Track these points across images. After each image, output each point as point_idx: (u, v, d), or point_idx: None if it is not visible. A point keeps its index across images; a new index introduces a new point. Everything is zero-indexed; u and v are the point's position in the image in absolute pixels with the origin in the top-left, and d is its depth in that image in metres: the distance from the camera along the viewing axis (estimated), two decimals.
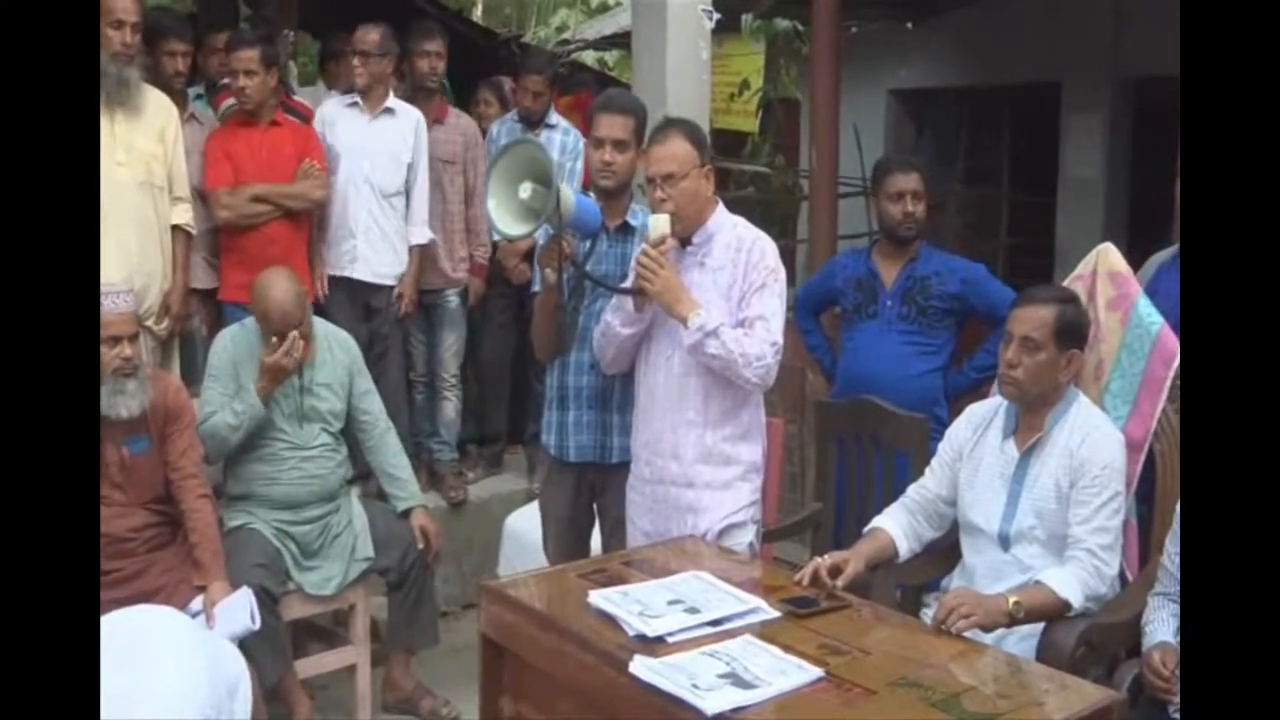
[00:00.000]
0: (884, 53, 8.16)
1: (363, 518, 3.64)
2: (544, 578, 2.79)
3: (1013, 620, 2.49)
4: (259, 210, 4.13)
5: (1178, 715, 2.33)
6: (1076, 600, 2.56)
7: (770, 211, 8.25)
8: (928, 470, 2.96)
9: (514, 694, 2.50)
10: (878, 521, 2.88)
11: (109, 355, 3.05)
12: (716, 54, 5.73)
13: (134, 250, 3.75)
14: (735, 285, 2.95)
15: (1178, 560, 2.51)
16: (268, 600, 3.29)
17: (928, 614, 2.68)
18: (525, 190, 2.88)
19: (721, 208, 3.06)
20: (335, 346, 3.66)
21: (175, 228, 3.95)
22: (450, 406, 4.85)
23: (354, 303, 4.43)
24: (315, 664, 3.66)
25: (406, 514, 3.70)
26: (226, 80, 4.36)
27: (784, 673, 2.07)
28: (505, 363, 5.09)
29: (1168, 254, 3.31)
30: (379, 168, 4.42)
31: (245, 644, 3.22)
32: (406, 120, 4.50)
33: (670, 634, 2.23)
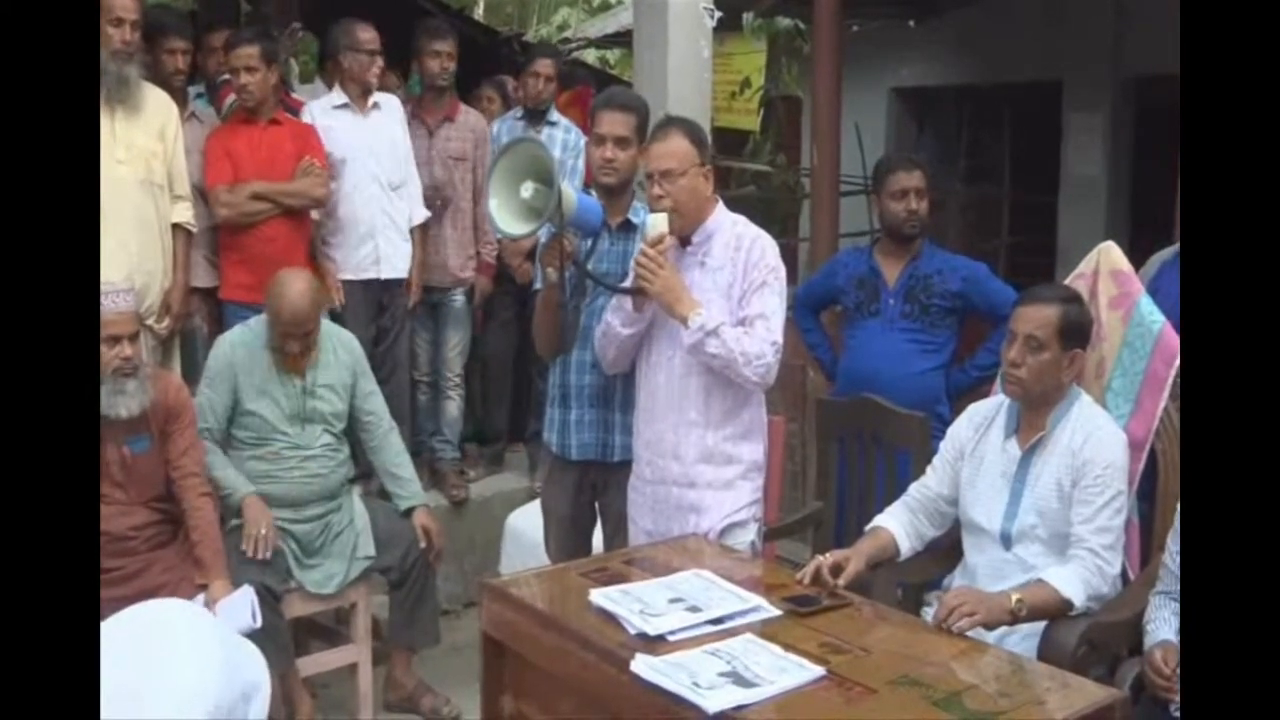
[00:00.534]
0: (885, 51, 8.16)
1: (364, 516, 3.64)
2: (545, 576, 2.79)
3: (1014, 619, 2.49)
4: (259, 208, 4.12)
5: (1179, 714, 2.32)
6: (1078, 599, 2.55)
7: (772, 210, 8.25)
8: (929, 469, 2.95)
9: (515, 692, 2.50)
10: (879, 520, 2.87)
11: (109, 355, 3.05)
12: (718, 52, 5.74)
13: (134, 249, 3.74)
14: (735, 284, 2.95)
15: (1179, 559, 2.50)
16: (269, 598, 3.29)
17: (929, 613, 2.68)
18: (527, 189, 2.88)
19: (721, 207, 3.06)
20: (339, 348, 3.66)
21: (175, 226, 3.94)
22: (453, 406, 4.85)
23: (369, 303, 4.43)
24: (316, 662, 3.66)
25: (408, 513, 3.70)
26: (227, 77, 4.36)
27: (785, 671, 2.07)
28: (508, 361, 5.10)
29: (1169, 252, 3.31)
30: (384, 162, 4.42)
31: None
32: (393, 110, 4.53)
33: (671, 632, 2.23)
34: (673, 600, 2.37)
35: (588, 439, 3.24)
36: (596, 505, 3.35)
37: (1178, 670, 2.34)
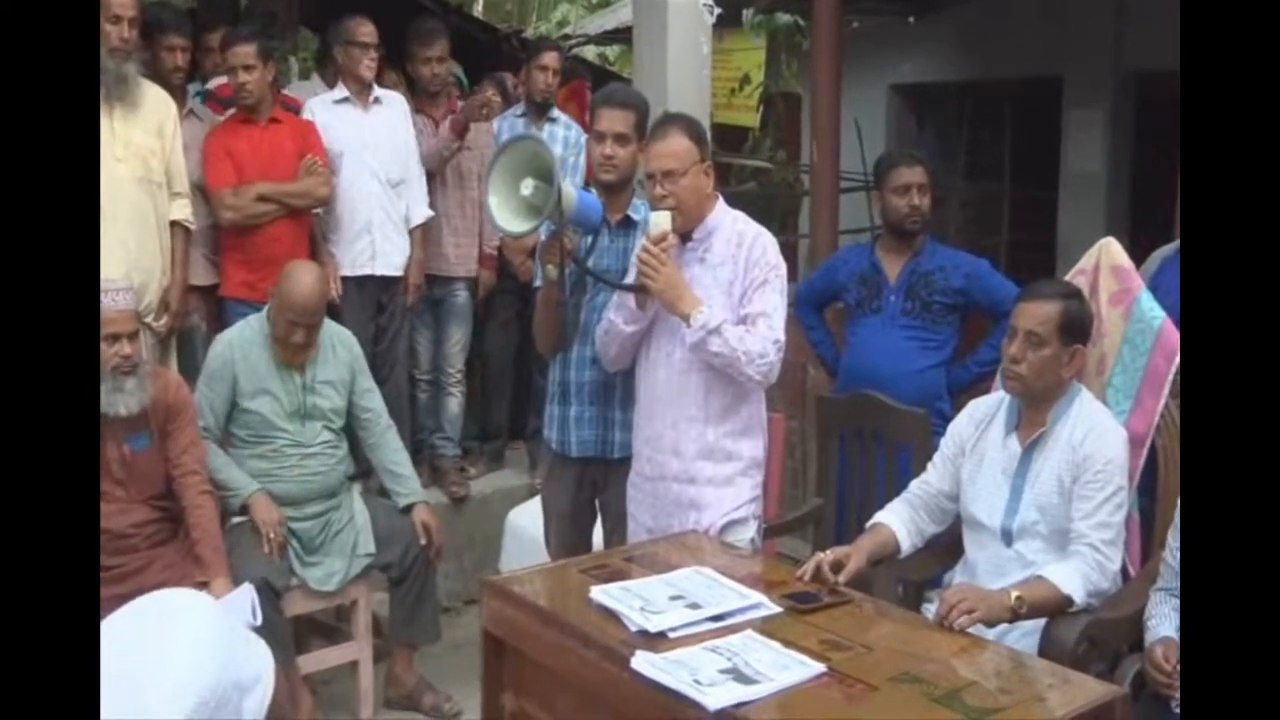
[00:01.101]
0: (885, 48, 8.15)
1: (364, 514, 3.65)
2: (545, 573, 2.79)
3: (1014, 615, 2.49)
4: (264, 210, 4.12)
5: (1180, 711, 2.32)
6: (1079, 595, 2.55)
7: (771, 206, 8.25)
8: (930, 465, 2.95)
9: (516, 689, 2.50)
10: (879, 517, 2.87)
11: (108, 353, 3.05)
12: (717, 49, 5.73)
13: (133, 246, 3.74)
14: (737, 281, 2.95)
15: (1180, 555, 2.50)
16: (270, 596, 3.29)
17: (929, 609, 2.68)
18: (527, 187, 2.87)
19: (722, 203, 3.06)
20: (338, 345, 3.66)
21: (174, 223, 3.94)
22: (454, 402, 4.85)
23: (367, 300, 4.43)
24: (317, 660, 3.67)
25: (408, 510, 3.70)
26: (216, 84, 4.36)
27: (786, 668, 2.07)
28: (508, 358, 5.09)
29: (1170, 249, 3.31)
30: (383, 159, 4.42)
31: None
32: (397, 107, 4.52)
33: (672, 629, 2.23)
34: (673, 597, 2.37)
35: (588, 436, 3.24)
36: (596, 502, 3.35)
37: (1178, 667, 2.34)
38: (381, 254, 4.42)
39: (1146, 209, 7.09)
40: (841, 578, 2.53)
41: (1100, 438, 2.69)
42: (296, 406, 3.54)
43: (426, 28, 4.71)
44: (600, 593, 2.38)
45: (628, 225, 3.20)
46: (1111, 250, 3.03)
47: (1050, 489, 2.71)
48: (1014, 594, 2.49)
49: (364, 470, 3.94)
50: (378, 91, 4.48)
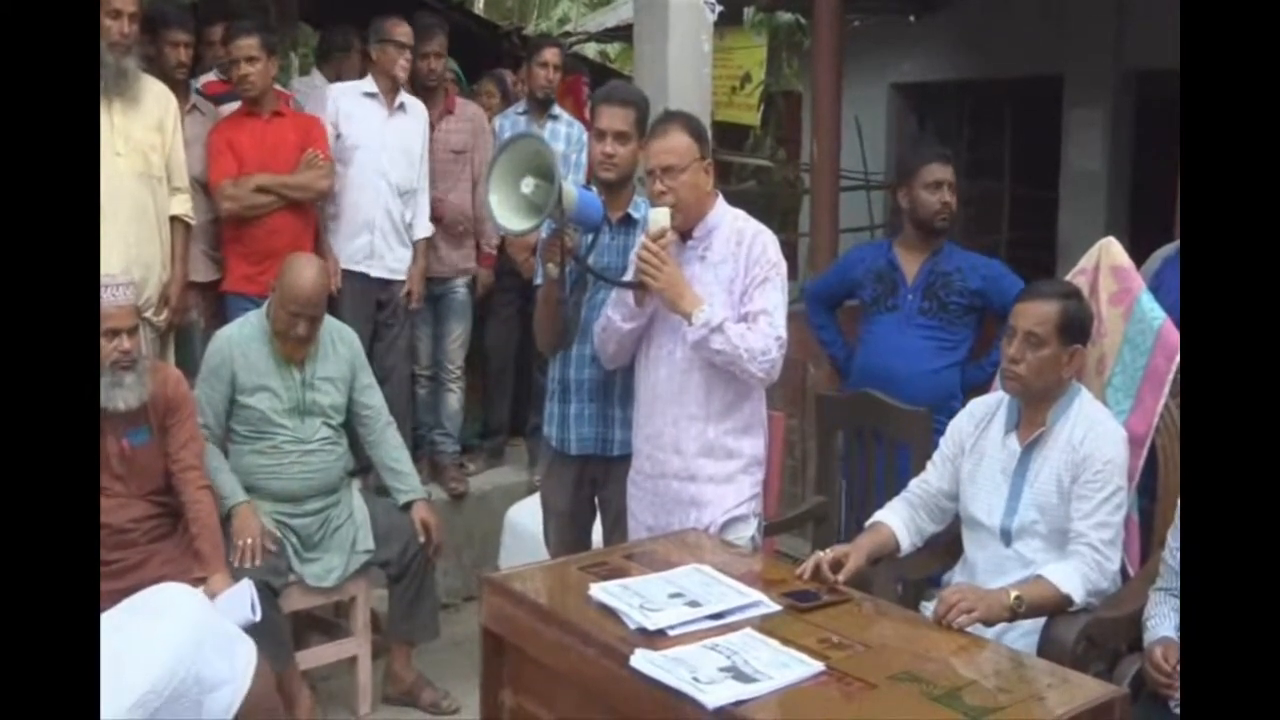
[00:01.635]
0: (886, 46, 8.15)
1: (363, 510, 3.65)
2: (545, 570, 2.79)
3: (1013, 615, 2.49)
4: (263, 201, 4.12)
5: (1179, 711, 2.32)
6: (1078, 595, 2.55)
7: (772, 205, 8.26)
8: (929, 464, 2.95)
9: (515, 687, 2.50)
10: (879, 516, 2.87)
11: (108, 348, 3.05)
12: (718, 47, 5.73)
13: (132, 241, 3.74)
14: (737, 279, 2.95)
15: (1179, 555, 2.50)
16: (268, 592, 3.29)
17: (928, 608, 2.68)
18: (527, 185, 2.87)
19: (722, 201, 3.06)
20: (338, 341, 3.66)
21: (174, 219, 3.94)
22: (454, 399, 4.85)
23: (365, 297, 4.43)
24: (316, 656, 3.66)
25: (407, 507, 3.70)
26: (204, 81, 4.36)
27: (785, 666, 2.07)
28: (509, 355, 5.10)
29: (1171, 249, 3.30)
30: (397, 165, 4.43)
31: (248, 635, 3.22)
32: (418, 116, 4.53)
33: (671, 627, 2.22)
34: (673, 595, 2.37)
35: (587, 433, 3.24)
36: (596, 499, 3.35)
37: (1178, 667, 2.34)
38: (378, 256, 4.42)
39: (1147, 208, 7.08)
40: (841, 576, 2.53)
41: (1100, 437, 2.69)
42: (296, 402, 3.53)
43: (424, 23, 4.71)
44: (599, 590, 2.38)
45: (628, 223, 3.19)
46: (1112, 250, 3.03)
47: (1049, 489, 2.71)
48: (1013, 593, 2.49)
49: (364, 467, 3.94)
50: (403, 97, 4.48)
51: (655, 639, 2.19)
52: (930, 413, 3.42)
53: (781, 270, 2.98)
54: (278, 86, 4.80)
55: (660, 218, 2.88)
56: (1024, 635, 2.60)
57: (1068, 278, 3.06)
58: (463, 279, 4.79)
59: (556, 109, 4.95)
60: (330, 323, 3.70)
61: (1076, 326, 2.74)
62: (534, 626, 2.40)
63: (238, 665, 2.34)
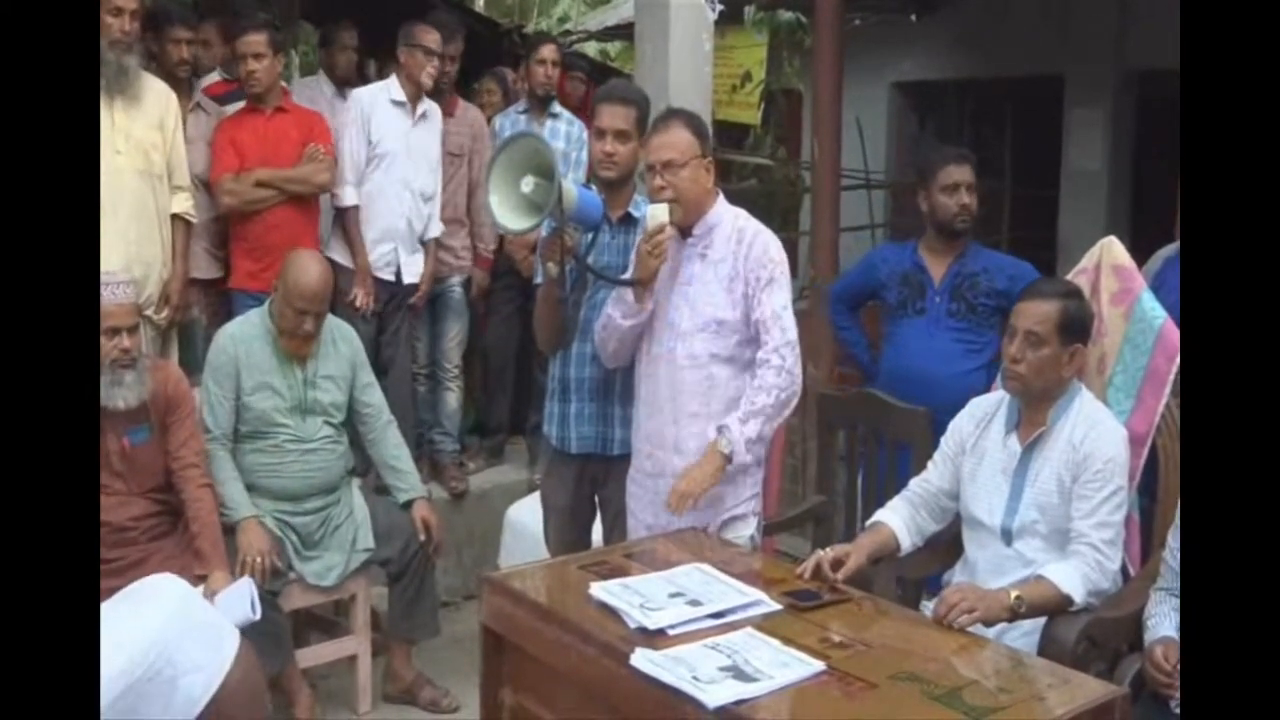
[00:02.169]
0: (887, 45, 8.15)
1: (363, 509, 3.65)
2: (545, 569, 2.79)
3: (1014, 615, 2.49)
4: (263, 195, 4.12)
5: (1179, 711, 2.32)
6: (1078, 595, 2.55)
7: (772, 204, 8.25)
8: (930, 463, 2.95)
9: (515, 685, 2.50)
10: (880, 515, 2.87)
11: (108, 346, 3.04)
12: (719, 46, 5.73)
13: (133, 239, 3.74)
14: (737, 279, 2.95)
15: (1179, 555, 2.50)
16: (268, 591, 3.29)
17: (929, 607, 2.68)
18: (527, 184, 2.87)
19: (722, 199, 3.06)
20: (339, 339, 3.65)
21: (174, 216, 3.94)
22: (452, 397, 4.85)
23: (375, 300, 4.42)
24: (316, 654, 3.66)
25: (408, 505, 3.70)
26: (212, 80, 4.38)
27: (785, 666, 2.07)
28: (509, 354, 5.09)
29: (1173, 248, 3.30)
30: (420, 173, 4.44)
31: (246, 633, 3.22)
32: (435, 120, 4.54)
33: (671, 626, 2.22)
34: (673, 594, 2.37)
35: (587, 432, 3.24)
36: (596, 498, 3.34)
37: (1178, 667, 2.34)
38: (397, 263, 4.43)
39: (1147, 208, 7.09)
40: (841, 575, 2.53)
41: (1100, 437, 2.68)
42: (297, 401, 3.53)
43: (445, 23, 4.70)
44: (600, 589, 2.38)
45: (629, 222, 3.19)
46: (1113, 249, 3.03)
47: (1050, 488, 2.71)
48: (1013, 593, 2.49)
49: (364, 465, 3.94)
50: (425, 105, 4.47)
51: (655, 638, 2.19)
52: (930, 412, 3.41)
53: (784, 269, 2.98)
54: (294, 87, 4.83)
55: (659, 213, 2.88)
56: (1024, 635, 2.59)
57: (1069, 277, 3.06)
58: (458, 277, 4.78)
59: (557, 107, 4.94)
60: (331, 320, 3.70)
61: (1077, 326, 2.74)
62: (534, 625, 2.40)
63: (221, 653, 2.34)
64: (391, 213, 4.38)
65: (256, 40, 4.12)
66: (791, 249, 6.09)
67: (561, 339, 3.22)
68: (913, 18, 8.07)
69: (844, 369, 4.51)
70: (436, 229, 4.56)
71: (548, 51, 4.86)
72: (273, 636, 3.31)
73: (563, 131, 4.86)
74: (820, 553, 2.59)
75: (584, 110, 4.91)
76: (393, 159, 4.36)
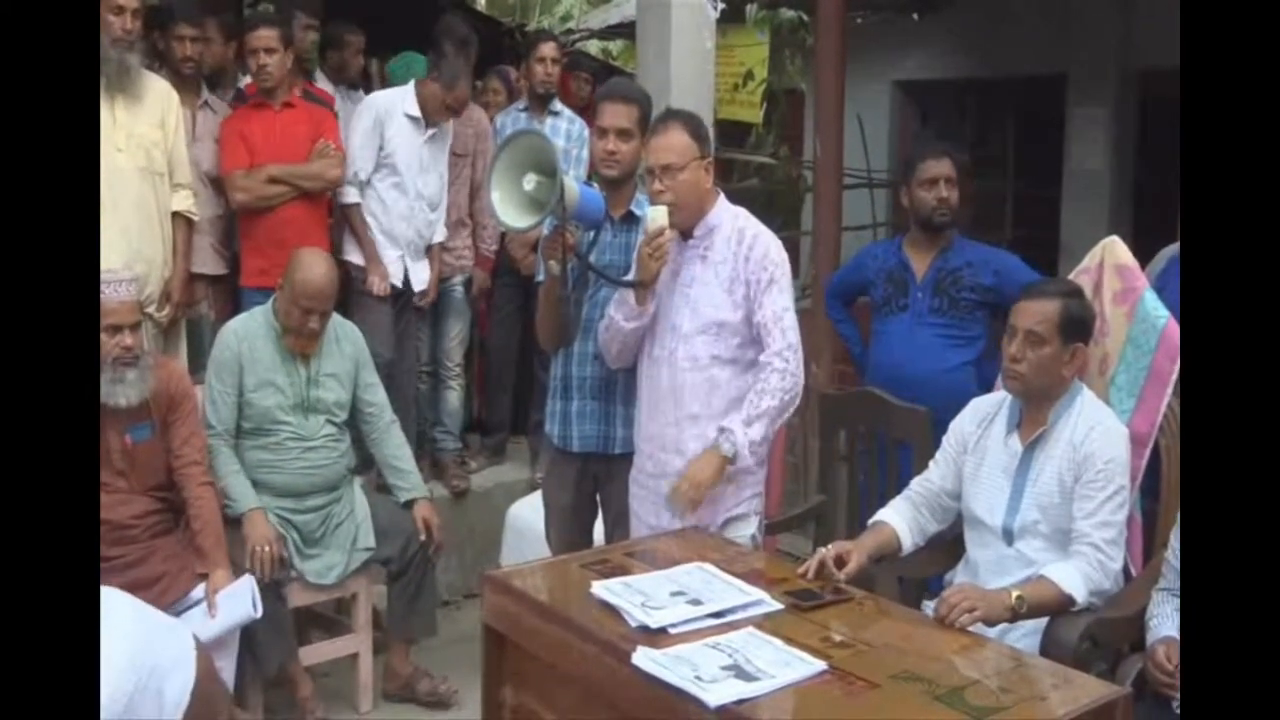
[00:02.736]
0: (889, 44, 8.14)
1: (364, 507, 3.65)
2: (546, 568, 2.79)
3: (1015, 615, 2.48)
4: (275, 191, 4.12)
5: (1181, 711, 2.32)
6: (1080, 595, 2.55)
7: (774, 203, 8.24)
8: (932, 463, 2.95)
9: (516, 684, 2.50)
10: (881, 514, 2.87)
11: (109, 344, 3.04)
12: (720, 44, 5.72)
13: (134, 237, 3.74)
14: (738, 280, 2.95)
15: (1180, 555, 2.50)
16: (271, 588, 3.29)
17: (929, 607, 2.68)
18: (529, 182, 2.87)
19: (723, 200, 3.05)
20: (343, 338, 3.65)
21: (176, 214, 3.94)
22: (454, 396, 4.85)
23: (380, 303, 4.42)
24: (317, 652, 3.66)
25: (409, 505, 3.70)
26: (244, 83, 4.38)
27: (787, 665, 2.07)
28: (510, 353, 5.09)
29: (1176, 248, 3.29)
30: (430, 184, 4.44)
31: (249, 631, 3.23)
32: (447, 135, 4.53)
33: (673, 625, 2.22)
34: (674, 593, 2.36)
35: (589, 431, 3.24)
36: (598, 497, 3.34)
37: (1180, 667, 2.34)
38: (406, 272, 4.43)
39: (1150, 207, 7.08)
40: (843, 575, 2.52)
41: (1102, 437, 2.68)
42: (300, 399, 3.53)
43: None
44: (601, 588, 2.38)
45: (630, 220, 3.19)
46: (1115, 249, 3.02)
47: (1051, 488, 2.71)
48: (1015, 593, 2.48)
49: (367, 464, 3.94)
50: (440, 124, 4.46)
51: (657, 637, 2.19)
52: (931, 412, 3.40)
53: (785, 270, 2.98)
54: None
55: (658, 216, 2.88)
56: (1026, 635, 2.59)
57: (1071, 276, 3.05)
58: (460, 277, 4.78)
59: (557, 104, 4.94)
60: (335, 319, 3.70)
61: (1078, 325, 2.73)
62: (535, 624, 2.40)
63: (182, 648, 2.34)
64: (404, 226, 4.38)
65: (268, 35, 4.12)
66: (793, 248, 6.10)
67: (563, 337, 3.22)
68: (915, 16, 8.06)
69: (844, 367, 4.52)
70: (440, 234, 4.57)
71: (547, 49, 4.85)
72: (276, 630, 3.31)
73: (563, 129, 4.86)
74: (822, 551, 2.58)
75: (589, 110, 4.91)
76: (405, 173, 4.35)
